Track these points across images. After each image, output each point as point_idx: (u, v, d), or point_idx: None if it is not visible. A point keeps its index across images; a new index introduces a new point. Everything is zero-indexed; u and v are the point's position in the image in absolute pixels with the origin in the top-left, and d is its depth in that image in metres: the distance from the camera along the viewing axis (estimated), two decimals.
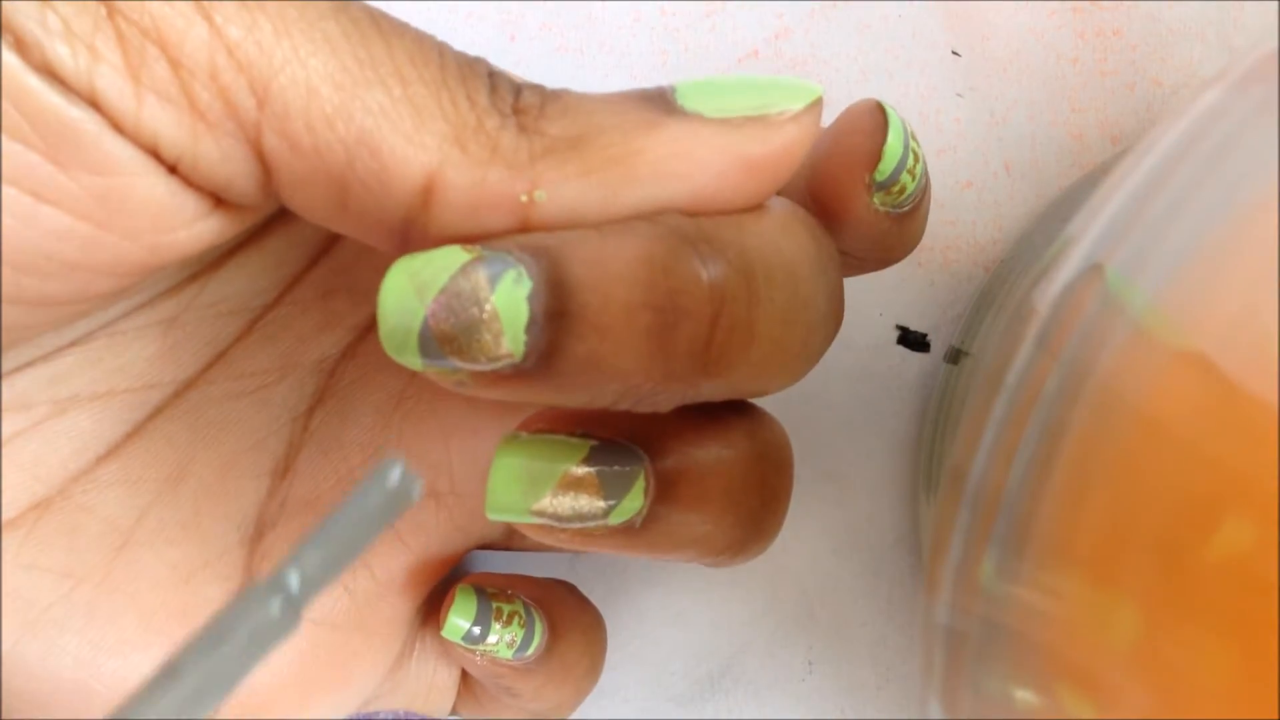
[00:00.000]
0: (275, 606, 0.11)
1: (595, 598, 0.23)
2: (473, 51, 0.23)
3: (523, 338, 0.13)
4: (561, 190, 0.13)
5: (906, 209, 0.17)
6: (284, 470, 0.18)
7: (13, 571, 0.16)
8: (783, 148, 0.14)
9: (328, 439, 0.19)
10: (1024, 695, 0.13)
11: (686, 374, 0.14)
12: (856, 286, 0.23)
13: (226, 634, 0.10)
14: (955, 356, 0.22)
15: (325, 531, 0.11)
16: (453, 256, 0.13)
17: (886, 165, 0.16)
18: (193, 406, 0.18)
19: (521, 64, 0.23)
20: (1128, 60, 0.23)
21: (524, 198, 0.13)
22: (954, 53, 0.23)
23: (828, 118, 0.17)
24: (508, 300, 0.13)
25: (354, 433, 0.19)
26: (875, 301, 0.23)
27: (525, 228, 0.14)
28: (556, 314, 0.13)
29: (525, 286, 0.13)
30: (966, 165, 0.23)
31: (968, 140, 0.23)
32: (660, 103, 0.14)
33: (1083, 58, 0.23)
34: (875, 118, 0.16)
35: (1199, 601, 0.11)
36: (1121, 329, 0.12)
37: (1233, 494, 0.11)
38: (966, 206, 0.23)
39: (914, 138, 0.17)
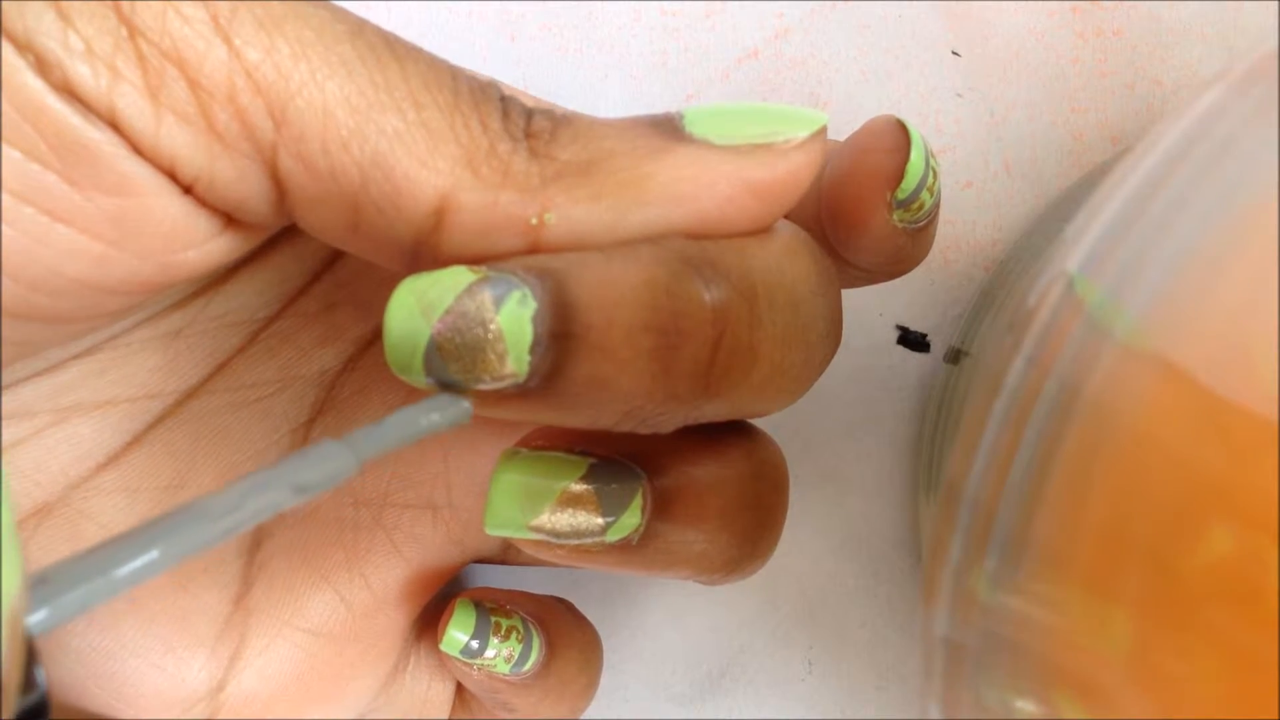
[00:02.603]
0: (336, 455, 0.13)
1: (595, 598, 0.23)
2: (472, 51, 0.23)
3: (527, 358, 0.13)
4: (571, 213, 0.14)
5: (922, 224, 0.17)
6: None
7: None
8: (788, 174, 0.14)
9: None
10: (1023, 704, 0.13)
11: (688, 395, 0.14)
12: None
13: (287, 473, 0.12)
14: (955, 356, 0.22)
15: (384, 423, 0.13)
16: (459, 277, 0.13)
17: (909, 183, 0.16)
18: (193, 416, 0.18)
19: (521, 64, 0.23)
20: (1128, 60, 0.23)
21: (534, 220, 0.13)
22: (954, 53, 0.23)
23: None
24: (512, 321, 0.13)
25: None
26: (875, 301, 0.23)
27: (534, 249, 0.14)
28: (560, 335, 0.13)
29: (530, 307, 0.13)
30: (966, 165, 0.23)
31: (968, 140, 0.23)
32: (669, 129, 0.14)
33: (1083, 58, 0.23)
34: (897, 135, 0.16)
35: (1189, 609, 0.11)
36: (1109, 346, 0.12)
37: (1217, 503, 0.11)
38: (966, 206, 0.23)
39: (933, 155, 0.17)
